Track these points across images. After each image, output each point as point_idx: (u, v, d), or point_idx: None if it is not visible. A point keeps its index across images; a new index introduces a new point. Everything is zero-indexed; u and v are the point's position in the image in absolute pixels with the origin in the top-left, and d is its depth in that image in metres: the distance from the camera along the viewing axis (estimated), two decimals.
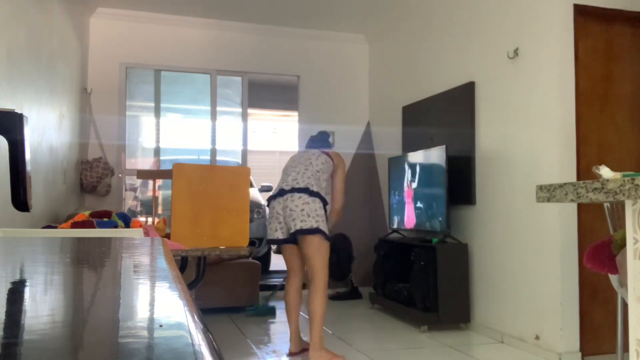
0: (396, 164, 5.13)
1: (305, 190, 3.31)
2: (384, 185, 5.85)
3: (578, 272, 3.50)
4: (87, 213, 2.49)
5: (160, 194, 6.38)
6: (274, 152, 14.76)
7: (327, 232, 3.32)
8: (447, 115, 4.64)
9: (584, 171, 3.52)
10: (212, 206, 2.77)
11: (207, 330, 0.40)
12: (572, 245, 3.51)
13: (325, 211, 3.38)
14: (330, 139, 3.82)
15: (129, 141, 6.13)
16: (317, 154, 3.53)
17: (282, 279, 6.60)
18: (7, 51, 3.13)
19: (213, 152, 5.99)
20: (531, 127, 3.72)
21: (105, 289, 0.59)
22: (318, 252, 3.32)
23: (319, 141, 3.74)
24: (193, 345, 0.33)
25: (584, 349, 3.49)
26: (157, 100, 6.19)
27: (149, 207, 6.28)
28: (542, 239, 3.61)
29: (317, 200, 3.31)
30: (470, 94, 4.34)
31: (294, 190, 3.33)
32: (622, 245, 1.70)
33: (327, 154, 3.58)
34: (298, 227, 3.27)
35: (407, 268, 4.59)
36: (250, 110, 6.43)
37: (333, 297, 5.74)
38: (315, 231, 3.26)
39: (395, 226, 5.14)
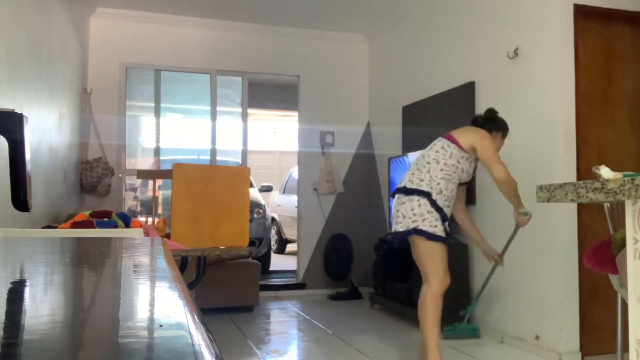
0: (396, 164, 5.13)
1: (403, 190, 3.10)
2: (384, 185, 5.85)
3: (578, 272, 3.49)
4: (87, 213, 2.49)
5: (160, 194, 6.38)
6: (274, 152, 14.76)
7: (430, 230, 2.97)
8: (447, 115, 4.64)
9: (584, 171, 3.51)
10: (212, 206, 2.77)
11: (207, 330, 0.40)
12: (572, 245, 3.51)
13: (436, 207, 3.00)
14: (490, 122, 3.22)
15: (129, 141, 6.12)
16: (435, 142, 3.18)
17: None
18: (7, 51, 3.13)
19: (213, 152, 5.99)
20: (531, 127, 3.72)
21: (105, 289, 0.59)
22: (423, 255, 3.05)
23: (473, 122, 3.30)
24: (193, 345, 0.33)
25: (584, 349, 3.49)
26: (157, 100, 6.19)
27: (149, 207, 6.28)
28: (542, 239, 3.61)
29: (415, 198, 3.02)
30: (470, 94, 4.34)
31: (397, 190, 3.16)
32: (622, 245, 1.70)
33: (451, 137, 3.13)
34: (393, 230, 3.11)
35: (407, 268, 4.59)
36: (250, 110, 6.43)
37: (333, 297, 5.75)
38: (412, 232, 3.00)
39: None
